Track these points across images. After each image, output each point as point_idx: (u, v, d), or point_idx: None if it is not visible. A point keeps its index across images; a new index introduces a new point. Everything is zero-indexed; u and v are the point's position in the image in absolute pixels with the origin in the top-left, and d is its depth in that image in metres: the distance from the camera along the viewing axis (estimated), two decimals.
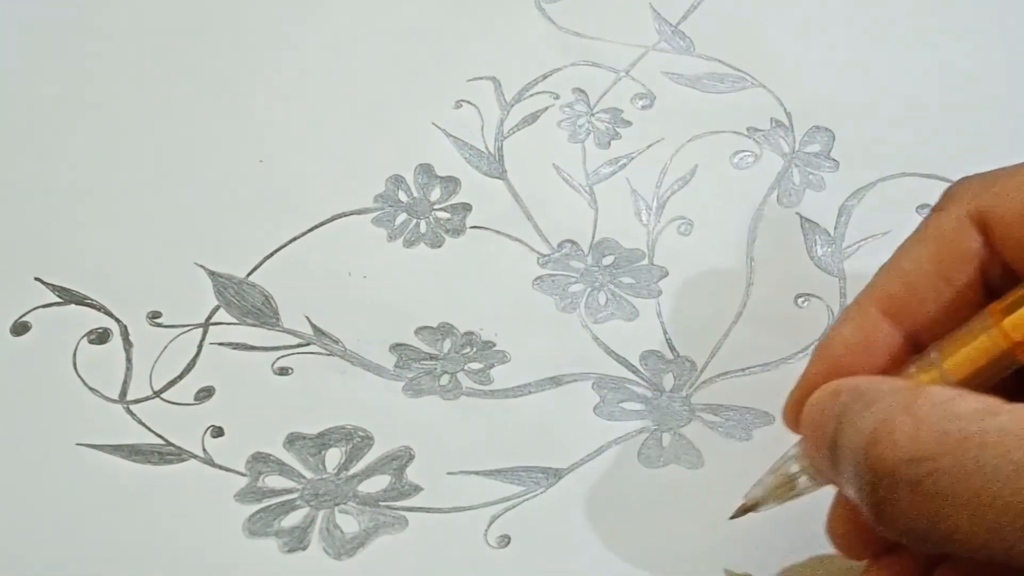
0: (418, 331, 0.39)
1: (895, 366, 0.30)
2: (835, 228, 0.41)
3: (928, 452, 0.25)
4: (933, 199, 0.41)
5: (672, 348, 0.39)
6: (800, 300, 0.40)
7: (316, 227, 0.42)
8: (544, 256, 0.41)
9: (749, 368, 0.38)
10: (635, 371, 0.38)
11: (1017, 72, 0.46)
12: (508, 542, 0.35)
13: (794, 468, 0.31)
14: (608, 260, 0.41)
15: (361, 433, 0.37)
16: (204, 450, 0.37)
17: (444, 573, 0.34)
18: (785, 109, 0.45)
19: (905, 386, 0.27)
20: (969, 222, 0.30)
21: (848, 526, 0.31)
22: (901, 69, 0.46)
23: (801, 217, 0.42)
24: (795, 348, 0.38)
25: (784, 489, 0.32)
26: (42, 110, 0.46)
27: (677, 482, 0.36)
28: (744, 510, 0.33)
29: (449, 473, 0.36)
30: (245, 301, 0.40)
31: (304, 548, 0.35)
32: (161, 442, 0.37)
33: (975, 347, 0.28)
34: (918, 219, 0.41)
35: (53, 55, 0.48)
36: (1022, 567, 0.25)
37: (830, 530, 0.32)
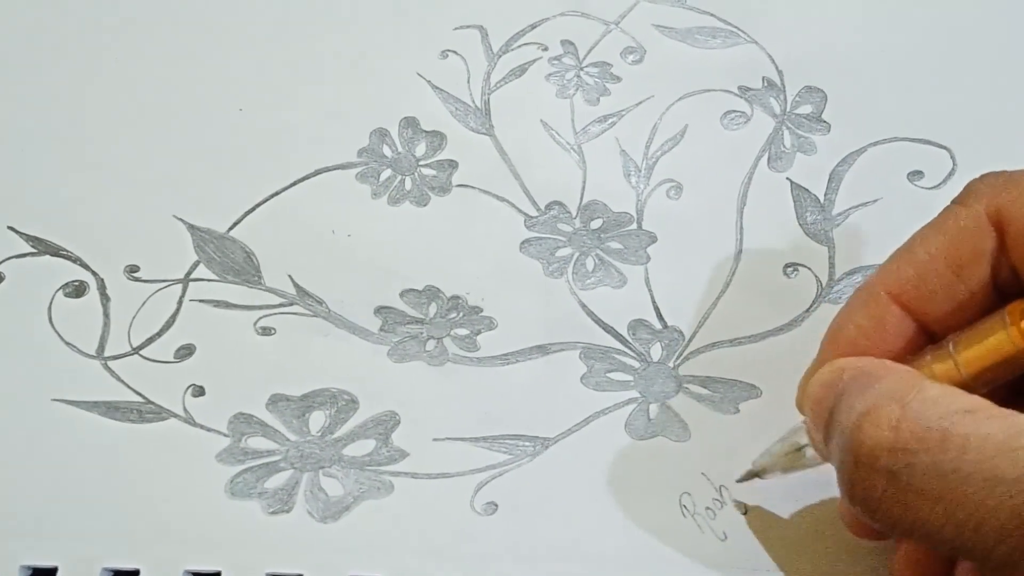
0: (403, 294, 0.39)
1: (910, 352, 0.30)
2: (825, 195, 0.41)
3: (908, 445, 0.25)
4: (925, 165, 0.41)
5: (660, 317, 0.39)
6: (789, 270, 0.40)
7: (298, 181, 0.41)
8: (531, 218, 0.41)
9: (737, 339, 0.38)
10: (623, 341, 0.38)
11: (1017, 30, 0.46)
12: (495, 509, 0.35)
13: (803, 440, 0.32)
14: (596, 224, 0.41)
15: (346, 396, 0.37)
16: (185, 409, 0.37)
17: (431, 538, 0.34)
18: (777, 67, 0.44)
19: (907, 374, 0.28)
20: (987, 220, 0.29)
21: None
22: (897, 26, 0.46)
23: (791, 182, 0.41)
24: (783, 320, 0.38)
25: (791, 459, 0.33)
26: (15, 57, 0.45)
27: (664, 454, 0.36)
28: (750, 475, 0.34)
29: (435, 439, 0.36)
30: (226, 257, 0.40)
31: (288, 511, 0.35)
32: (140, 400, 0.37)
33: (990, 344, 0.28)
34: (909, 187, 0.41)
35: (26, 5, 0.46)
36: (990, 568, 0.25)
37: (840, 510, 0.33)
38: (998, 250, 0.29)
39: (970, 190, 0.31)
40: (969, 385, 0.28)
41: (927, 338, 0.31)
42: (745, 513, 0.34)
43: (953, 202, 0.31)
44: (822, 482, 0.33)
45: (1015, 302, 0.28)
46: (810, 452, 0.32)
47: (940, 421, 0.25)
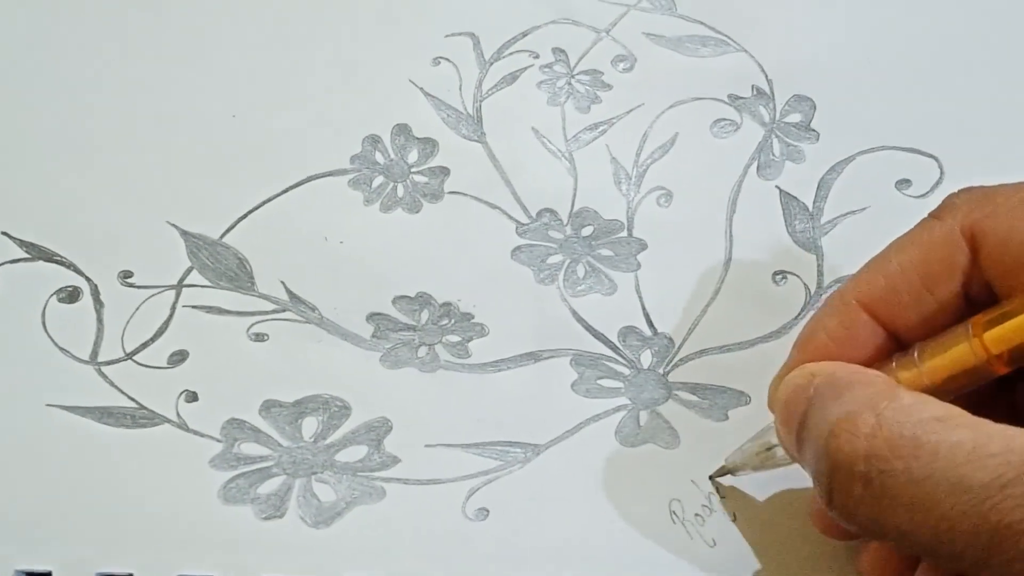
0: (395, 300, 0.39)
1: (878, 358, 0.31)
2: (813, 203, 0.41)
3: (883, 452, 0.26)
4: (913, 174, 0.42)
5: (650, 324, 0.39)
6: (778, 277, 0.40)
7: (291, 188, 0.42)
8: (523, 225, 0.41)
9: (726, 346, 0.38)
10: (614, 348, 0.38)
11: (1005, 39, 0.46)
12: (486, 515, 0.35)
13: (774, 440, 0.32)
14: (587, 231, 0.41)
15: (338, 403, 0.37)
16: (178, 415, 0.37)
17: (422, 544, 0.35)
18: (767, 76, 0.45)
19: (878, 380, 0.28)
20: (960, 236, 0.30)
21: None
22: (885, 35, 0.46)
23: (780, 190, 0.42)
24: (772, 327, 0.39)
25: (762, 458, 0.33)
26: (9, 62, 0.45)
27: (654, 461, 0.36)
28: (723, 471, 0.35)
29: (427, 445, 0.36)
30: (220, 263, 0.40)
31: (281, 516, 0.35)
32: (134, 405, 0.37)
33: (954, 354, 0.29)
34: (897, 195, 0.41)
35: (20, 7, 0.46)
36: (963, 571, 0.26)
37: (811, 511, 0.33)
38: (971, 265, 0.30)
39: (947, 204, 0.31)
40: (933, 393, 0.29)
41: (896, 345, 0.31)
42: (734, 519, 0.35)
43: (930, 215, 0.31)
44: (810, 487, 0.34)
45: (979, 314, 0.29)
46: (780, 452, 0.32)
47: (913, 429, 0.26)
